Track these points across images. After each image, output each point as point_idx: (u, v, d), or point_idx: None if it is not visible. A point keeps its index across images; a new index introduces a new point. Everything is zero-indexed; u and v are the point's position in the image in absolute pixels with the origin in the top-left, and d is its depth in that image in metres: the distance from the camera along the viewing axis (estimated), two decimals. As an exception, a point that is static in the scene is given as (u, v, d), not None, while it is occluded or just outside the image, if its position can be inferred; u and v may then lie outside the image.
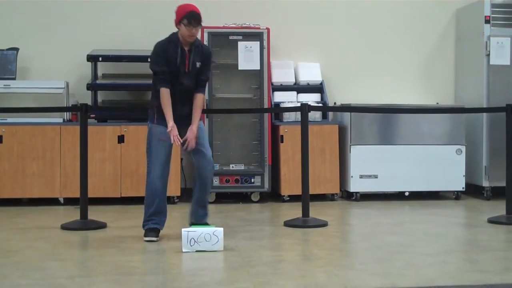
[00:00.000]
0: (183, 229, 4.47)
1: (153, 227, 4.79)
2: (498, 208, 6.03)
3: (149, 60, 4.84)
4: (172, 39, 4.77)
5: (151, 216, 4.80)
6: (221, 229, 4.51)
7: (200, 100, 4.81)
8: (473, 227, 5.59)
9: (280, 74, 7.34)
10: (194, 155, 4.82)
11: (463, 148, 7.11)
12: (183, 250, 4.39)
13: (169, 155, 4.77)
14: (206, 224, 4.89)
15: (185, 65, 4.74)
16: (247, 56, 6.90)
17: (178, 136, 4.66)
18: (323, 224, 5.47)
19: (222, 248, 4.42)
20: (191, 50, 4.77)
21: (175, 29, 7.28)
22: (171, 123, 4.64)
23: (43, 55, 7.30)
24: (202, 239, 4.42)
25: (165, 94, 4.69)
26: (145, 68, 7.19)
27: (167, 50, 4.73)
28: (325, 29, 7.68)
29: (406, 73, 7.80)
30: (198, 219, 4.93)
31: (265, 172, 6.93)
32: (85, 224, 5.37)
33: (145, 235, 4.79)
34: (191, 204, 4.99)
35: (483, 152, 7.12)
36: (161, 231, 4.85)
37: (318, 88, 7.35)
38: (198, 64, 4.78)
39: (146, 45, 7.18)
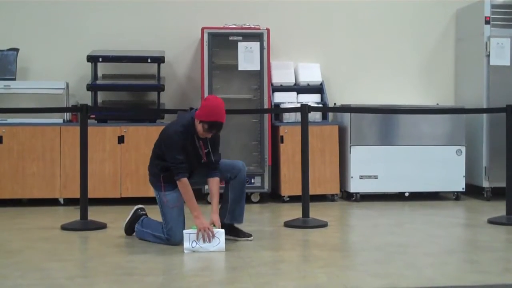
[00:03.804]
0: (184, 231, 4.46)
1: None
2: (498, 209, 6.04)
3: (163, 147, 4.58)
4: (189, 131, 4.55)
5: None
6: (223, 230, 4.51)
7: (215, 185, 4.64)
8: (473, 228, 5.59)
9: (280, 74, 7.34)
10: (231, 169, 4.77)
11: (463, 149, 7.11)
12: (185, 252, 4.39)
13: (182, 209, 4.68)
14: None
15: (201, 156, 4.62)
16: (247, 57, 6.90)
17: (211, 229, 4.47)
18: (323, 225, 5.47)
19: (223, 249, 4.42)
20: (205, 140, 4.64)
21: (175, 29, 7.38)
22: (201, 219, 4.47)
23: (43, 56, 7.30)
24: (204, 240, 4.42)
25: (186, 185, 4.51)
26: (145, 68, 7.23)
27: (183, 138, 4.53)
28: (325, 29, 7.68)
29: (406, 73, 7.80)
30: (234, 219, 4.82)
31: (265, 173, 6.93)
32: (85, 225, 5.37)
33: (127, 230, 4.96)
34: (227, 205, 4.82)
35: (483, 153, 7.12)
36: None
37: (318, 89, 7.35)
38: (207, 149, 4.66)
39: (146, 45, 7.24)
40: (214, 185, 4.67)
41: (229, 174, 4.76)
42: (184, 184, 4.53)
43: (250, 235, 4.81)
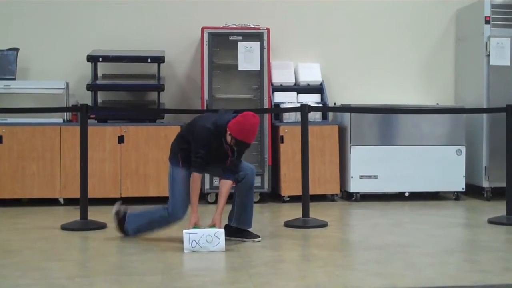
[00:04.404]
0: (184, 231, 4.46)
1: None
2: (498, 209, 6.03)
3: (192, 135, 4.62)
4: (218, 132, 4.56)
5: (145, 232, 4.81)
6: (223, 230, 4.51)
7: (225, 187, 4.65)
8: (473, 228, 5.59)
9: (280, 74, 7.34)
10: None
11: (463, 149, 7.11)
12: (185, 252, 4.39)
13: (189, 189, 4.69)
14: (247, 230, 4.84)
15: (226, 157, 4.63)
16: (247, 57, 6.90)
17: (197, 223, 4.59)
18: (323, 225, 5.47)
19: (223, 249, 4.42)
20: (232, 147, 4.63)
21: (175, 29, 7.38)
22: (195, 215, 4.56)
23: (43, 55, 7.30)
24: (204, 240, 4.41)
25: (197, 180, 4.57)
26: (145, 68, 7.23)
27: (212, 138, 4.56)
28: (325, 29, 7.68)
29: (406, 73, 7.80)
30: (241, 223, 4.83)
31: (265, 173, 6.93)
32: (85, 225, 5.37)
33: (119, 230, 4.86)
34: (233, 209, 4.86)
35: (483, 153, 7.12)
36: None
37: (318, 89, 7.35)
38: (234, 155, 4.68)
39: (146, 45, 7.24)
40: (224, 186, 4.66)
41: (236, 176, 4.75)
42: (195, 179, 4.57)
43: (257, 236, 4.80)
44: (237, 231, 4.81)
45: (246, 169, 4.76)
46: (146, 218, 4.84)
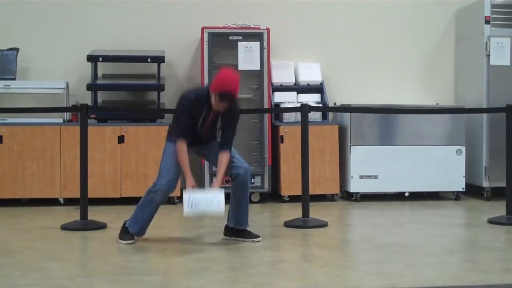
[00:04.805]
0: (184, 191, 4.43)
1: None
2: (498, 209, 6.04)
3: (176, 110, 4.64)
4: (201, 101, 4.52)
5: (147, 223, 4.77)
6: (222, 190, 4.45)
7: (225, 159, 4.57)
8: (473, 228, 5.59)
9: (280, 74, 7.35)
10: (232, 169, 4.68)
11: (463, 149, 7.11)
12: (184, 213, 4.36)
13: (179, 167, 4.64)
14: (245, 229, 4.83)
15: (205, 125, 4.58)
16: (247, 57, 6.90)
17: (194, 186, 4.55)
18: (323, 225, 5.47)
19: (223, 210, 4.41)
20: (217, 116, 4.58)
21: (175, 29, 7.38)
22: (190, 180, 4.51)
23: (43, 55, 7.30)
24: (204, 201, 4.38)
25: (182, 147, 4.53)
26: (145, 68, 7.23)
27: (194, 106, 4.52)
28: (325, 29, 7.69)
29: (406, 73, 7.80)
30: (236, 223, 4.81)
31: (265, 173, 6.93)
32: (85, 225, 5.37)
33: (125, 238, 4.75)
34: (229, 209, 4.84)
35: (483, 153, 7.12)
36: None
37: (318, 89, 7.36)
38: (219, 124, 4.61)
39: (146, 45, 7.24)
40: (223, 157, 4.59)
41: (230, 171, 4.72)
42: (181, 145, 4.53)
43: (257, 236, 4.79)
44: (236, 231, 4.80)
45: (238, 169, 4.68)
46: (138, 207, 4.77)
